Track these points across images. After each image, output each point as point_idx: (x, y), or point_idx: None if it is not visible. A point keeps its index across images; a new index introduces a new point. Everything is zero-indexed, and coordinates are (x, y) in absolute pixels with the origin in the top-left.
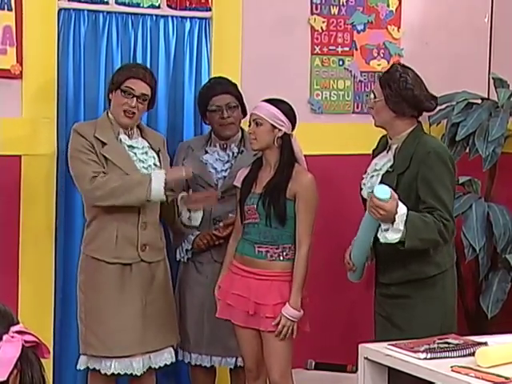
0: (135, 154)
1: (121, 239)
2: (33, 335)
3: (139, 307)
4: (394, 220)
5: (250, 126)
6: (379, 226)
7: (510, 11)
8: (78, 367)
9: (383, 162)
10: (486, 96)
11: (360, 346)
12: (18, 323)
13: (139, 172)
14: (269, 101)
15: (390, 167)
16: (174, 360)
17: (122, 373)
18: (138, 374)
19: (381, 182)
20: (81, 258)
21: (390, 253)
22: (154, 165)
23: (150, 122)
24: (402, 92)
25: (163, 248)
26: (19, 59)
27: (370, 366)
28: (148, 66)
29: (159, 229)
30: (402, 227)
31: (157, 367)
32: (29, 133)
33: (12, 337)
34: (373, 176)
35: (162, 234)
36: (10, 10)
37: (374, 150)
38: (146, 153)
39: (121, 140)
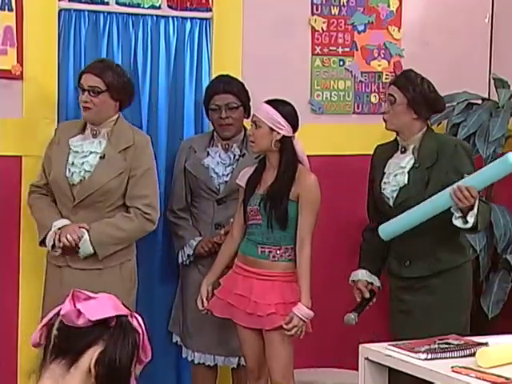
0: (75, 157)
1: None
2: (140, 326)
3: None
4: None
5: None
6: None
7: (510, 11)
8: None
9: (405, 160)
10: (487, 96)
11: (360, 346)
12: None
13: (49, 215)
14: (270, 102)
15: (415, 163)
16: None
17: None
18: None
19: (409, 178)
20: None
21: (421, 244)
22: (85, 171)
23: (150, 122)
24: (426, 95)
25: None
26: (20, 60)
27: (371, 366)
28: (148, 66)
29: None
30: (476, 212)
31: None
32: (29, 133)
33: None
34: (396, 174)
35: None
36: (10, 10)
37: (373, 159)
38: (85, 157)
39: (68, 143)
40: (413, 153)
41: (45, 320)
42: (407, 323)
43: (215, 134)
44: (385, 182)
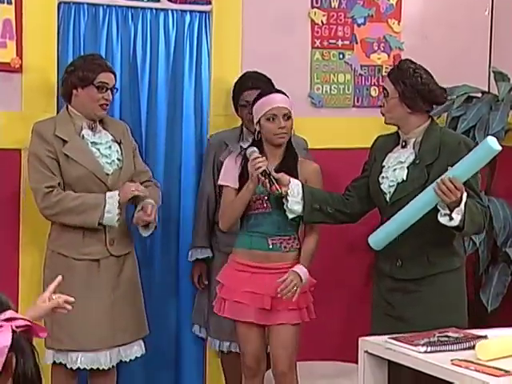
0: (98, 149)
1: (88, 236)
2: (24, 319)
3: (108, 302)
4: (460, 203)
5: (269, 120)
6: (429, 211)
7: (510, 5)
8: (44, 361)
9: (405, 155)
10: (487, 89)
11: (360, 339)
12: (7, 309)
13: (94, 194)
14: (278, 91)
15: (415, 159)
16: (143, 352)
17: (88, 367)
18: (106, 368)
19: (408, 174)
20: (46, 253)
21: (413, 245)
22: (118, 159)
23: (149, 114)
24: (418, 87)
25: (132, 241)
26: (19, 53)
27: (370, 360)
28: (148, 59)
29: (126, 222)
30: (463, 209)
31: (127, 360)
32: (29, 127)
33: (1, 326)
34: (395, 169)
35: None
36: (9, 3)
37: (372, 149)
38: (110, 147)
39: (83, 136)
40: (413, 147)
41: None
42: (397, 329)
43: (244, 128)
44: (383, 177)
